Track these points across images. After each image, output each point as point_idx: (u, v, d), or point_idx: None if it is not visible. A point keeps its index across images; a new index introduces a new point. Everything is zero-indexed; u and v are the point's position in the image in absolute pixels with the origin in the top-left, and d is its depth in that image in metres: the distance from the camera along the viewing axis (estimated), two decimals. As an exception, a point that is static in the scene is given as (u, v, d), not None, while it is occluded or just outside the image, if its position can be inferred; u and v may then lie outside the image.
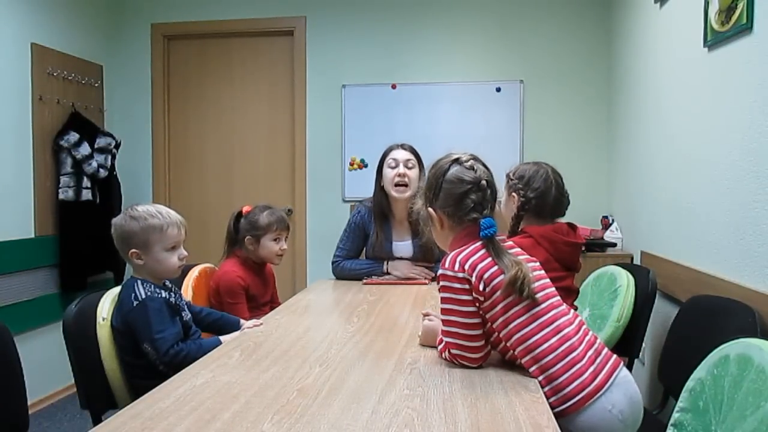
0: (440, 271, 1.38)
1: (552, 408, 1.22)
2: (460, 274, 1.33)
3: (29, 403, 1.56)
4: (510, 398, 1.17)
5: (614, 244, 3.23)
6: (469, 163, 1.42)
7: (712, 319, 1.76)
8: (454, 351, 1.37)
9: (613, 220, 3.39)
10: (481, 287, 1.31)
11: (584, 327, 1.39)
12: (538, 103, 3.75)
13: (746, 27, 1.75)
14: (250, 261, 2.34)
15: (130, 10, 4.08)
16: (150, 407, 1.13)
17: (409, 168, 2.51)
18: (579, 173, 3.70)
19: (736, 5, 1.81)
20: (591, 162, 3.70)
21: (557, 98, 3.73)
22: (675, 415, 1.43)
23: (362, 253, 2.72)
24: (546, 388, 1.27)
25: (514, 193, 1.92)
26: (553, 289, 1.41)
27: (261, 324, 1.83)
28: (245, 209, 2.37)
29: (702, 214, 2.13)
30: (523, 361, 1.32)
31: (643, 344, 2.22)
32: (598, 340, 1.39)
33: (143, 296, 1.67)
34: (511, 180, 1.94)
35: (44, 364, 3.21)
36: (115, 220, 1.75)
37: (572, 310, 1.42)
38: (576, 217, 3.73)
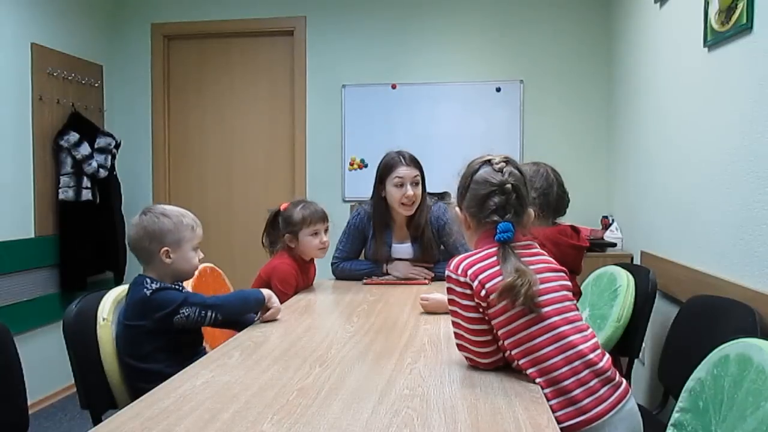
0: (446, 272, 1.38)
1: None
2: (462, 279, 1.33)
3: (29, 403, 1.56)
4: (510, 398, 1.17)
5: (614, 244, 3.23)
6: (498, 166, 1.38)
7: (712, 319, 1.76)
8: (464, 353, 1.37)
9: (613, 220, 3.39)
10: (482, 293, 1.29)
11: (599, 351, 1.32)
12: (538, 103, 3.75)
13: (746, 27, 1.75)
14: (298, 257, 2.38)
15: (130, 10, 4.08)
16: (150, 407, 1.13)
17: (416, 185, 2.47)
18: (579, 173, 3.70)
19: (736, 5, 1.81)
20: (591, 162, 3.70)
21: (557, 98, 3.74)
22: (675, 415, 1.43)
23: (361, 254, 2.71)
24: (552, 402, 1.23)
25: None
26: (573, 302, 1.37)
27: (278, 320, 1.85)
28: (283, 206, 2.39)
29: (702, 214, 2.13)
30: (528, 372, 1.29)
31: (643, 344, 2.22)
32: (611, 367, 1.32)
33: (157, 286, 1.65)
34: None
35: (44, 364, 3.21)
36: (142, 219, 1.69)
37: (590, 328, 1.37)
38: (576, 217, 3.73)
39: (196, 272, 2.25)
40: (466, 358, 1.38)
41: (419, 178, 2.48)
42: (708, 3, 2.03)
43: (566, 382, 1.24)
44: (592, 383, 1.25)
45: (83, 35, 3.77)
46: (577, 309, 1.37)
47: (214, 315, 1.67)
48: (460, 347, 1.38)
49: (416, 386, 1.24)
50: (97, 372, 1.63)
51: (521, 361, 1.29)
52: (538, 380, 1.26)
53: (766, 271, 1.67)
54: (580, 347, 1.28)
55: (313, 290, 2.44)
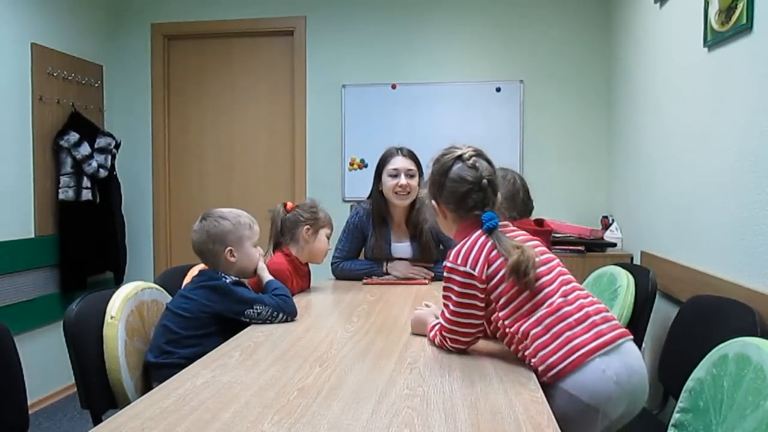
0: (446, 263, 1.44)
1: (540, 377, 1.29)
2: (462, 268, 1.39)
3: (29, 403, 1.56)
4: (510, 398, 1.17)
5: (614, 244, 3.23)
6: (471, 161, 1.45)
7: (712, 319, 1.76)
8: (445, 333, 1.45)
9: (613, 220, 3.39)
10: (484, 277, 1.37)
11: (580, 300, 1.40)
12: (538, 103, 3.75)
13: (746, 27, 1.75)
14: (295, 260, 2.33)
15: (130, 10, 4.08)
16: (150, 407, 1.13)
17: (411, 177, 2.49)
18: (579, 173, 3.70)
19: (736, 5, 1.81)
20: (591, 162, 3.70)
21: (557, 98, 3.74)
22: (675, 416, 1.43)
23: (361, 254, 2.72)
24: (534, 359, 1.31)
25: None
26: (556, 261, 1.45)
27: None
28: (289, 206, 2.36)
29: (702, 214, 2.13)
30: (521, 345, 1.36)
31: (643, 344, 2.21)
32: (605, 312, 1.41)
33: (236, 279, 1.81)
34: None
35: (44, 364, 3.21)
36: (203, 225, 1.83)
37: (574, 281, 1.45)
38: (576, 217, 3.73)
39: (195, 271, 2.27)
40: (445, 338, 1.45)
41: (415, 170, 2.51)
42: (708, 3, 2.03)
43: (549, 334, 1.32)
44: (581, 325, 1.33)
45: (83, 35, 3.77)
46: (561, 266, 1.46)
47: (285, 318, 1.82)
48: (442, 328, 1.45)
49: (416, 386, 1.24)
50: (97, 372, 1.63)
51: (519, 332, 1.34)
52: (528, 350, 1.33)
53: (766, 271, 1.67)
54: (566, 308, 1.35)
55: (312, 290, 2.44)
